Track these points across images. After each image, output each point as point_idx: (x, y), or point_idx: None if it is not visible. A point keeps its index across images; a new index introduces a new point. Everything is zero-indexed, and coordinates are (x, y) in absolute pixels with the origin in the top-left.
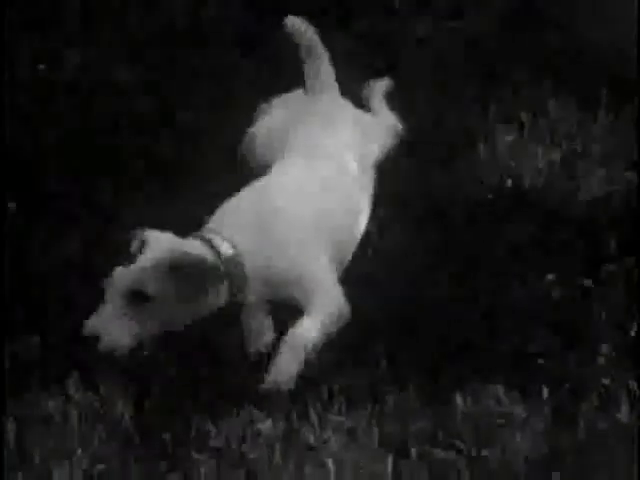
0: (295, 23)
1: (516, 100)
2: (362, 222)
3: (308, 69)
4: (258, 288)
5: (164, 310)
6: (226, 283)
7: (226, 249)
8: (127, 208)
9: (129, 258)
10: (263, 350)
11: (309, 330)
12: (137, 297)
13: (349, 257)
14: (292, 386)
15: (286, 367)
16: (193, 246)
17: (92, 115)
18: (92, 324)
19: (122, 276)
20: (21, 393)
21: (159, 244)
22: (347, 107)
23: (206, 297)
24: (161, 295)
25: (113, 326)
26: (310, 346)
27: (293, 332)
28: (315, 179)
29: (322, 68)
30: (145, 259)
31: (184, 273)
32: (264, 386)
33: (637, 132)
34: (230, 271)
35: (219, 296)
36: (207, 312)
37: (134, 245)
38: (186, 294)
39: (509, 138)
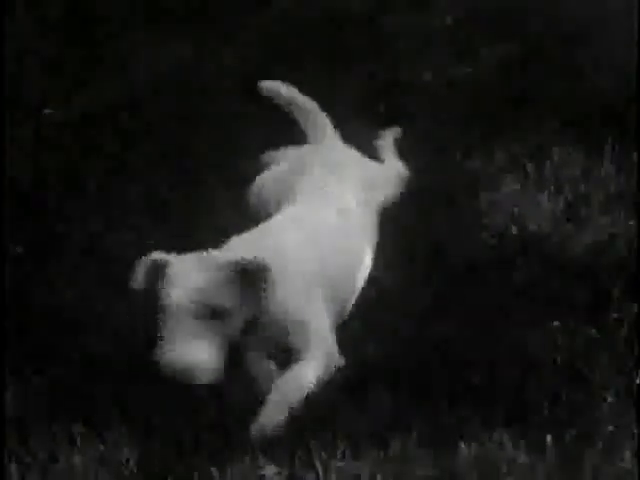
0: (269, 86)
1: (520, 146)
2: (364, 269)
3: (302, 123)
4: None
5: (236, 321)
6: None
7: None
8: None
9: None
10: None
11: (301, 378)
12: (208, 314)
13: (350, 302)
14: (279, 432)
15: (274, 413)
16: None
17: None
18: (172, 354)
19: (186, 296)
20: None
21: (200, 260)
22: (350, 153)
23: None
24: (234, 305)
25: (194, 350)
26: (300, 394)
27: (285, 379)
28: (317, 225)
29: (313, 118)
30: (200, 275)
31: (251, 278)
32: (251, 431)
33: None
34: None
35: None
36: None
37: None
38: (254, 300)
39: (514, 185)
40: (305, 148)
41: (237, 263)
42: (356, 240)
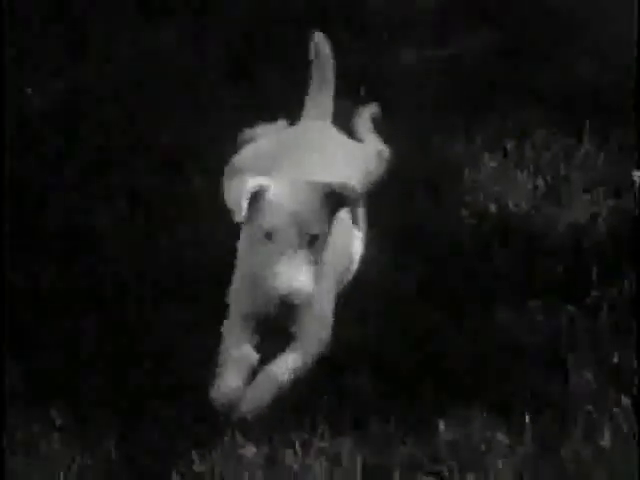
0: (321, 39)
1: (500, 127)
2: (357, 244)
3: (312, 92)
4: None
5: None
6: None
7: None
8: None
9: None
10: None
11: (290, 365)
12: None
13: (346, 278)
14: (260, 415)
15: (258, 397)
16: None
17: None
18: (280, 277)
19: (288, 221)
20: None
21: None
22: (332, 132)
23: None
24: (323, 231)
25: (299, 274)
26: (286, 380)
27: (275, 364)
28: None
29: (325, 94)
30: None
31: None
32: (232, 415)
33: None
34: None
35: None
36: None
37: None
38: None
39: (493, 164)
40: (285, 126)
41: (331, 185)
42: (345, 217)
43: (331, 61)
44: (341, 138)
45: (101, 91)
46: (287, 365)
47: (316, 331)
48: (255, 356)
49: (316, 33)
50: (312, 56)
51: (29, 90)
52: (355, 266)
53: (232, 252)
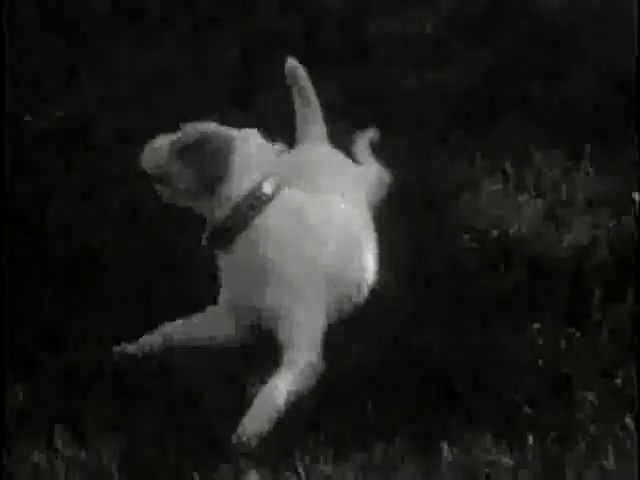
0: (294, 66)
1: (501, 150)
2: (367, 259)
3: (300, 117)
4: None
5: None
6: None
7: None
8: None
9: None
10: None
11: (282, 386)
12: None
13: (352, 295)
14: (256, 442)
15: (256, 423)
16: None
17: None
18: None
19: None
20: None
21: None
22: (337, 156)
23: None
24: None
25: None
26: (281, 402)
27: (268, 387)
28: (318, 215)
29: (314, 117)
30: None
31: None
32: (232, 440)
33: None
34: None
35: None
36: None
37: None
38: None
39: (494, 188)
40: (282, 148)
41: None
42: (354, 229)
43: (309, 83)
44: (343, 159)
45: (100, 112)
46: (282, 387)
47: (299, 357)
48: None
49: (288, 59)
50: (289, 82)
51: (29, 118)
52: (362, 276)
53: None
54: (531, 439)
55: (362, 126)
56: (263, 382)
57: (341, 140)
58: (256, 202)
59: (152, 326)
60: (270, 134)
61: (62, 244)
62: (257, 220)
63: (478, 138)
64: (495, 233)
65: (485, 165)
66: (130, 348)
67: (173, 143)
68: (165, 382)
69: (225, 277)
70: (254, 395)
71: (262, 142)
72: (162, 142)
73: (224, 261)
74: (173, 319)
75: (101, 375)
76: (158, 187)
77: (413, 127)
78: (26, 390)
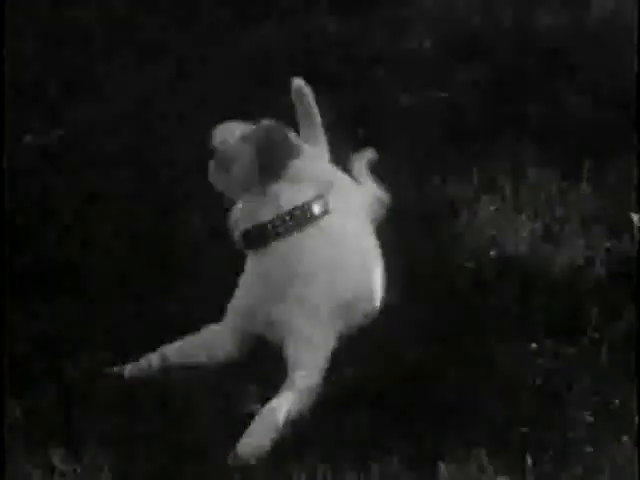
0: (301, 85)
1: (497, 168)
2: (377, 288)
3: (303, 135)
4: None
5: None
6: None
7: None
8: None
9: None
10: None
11: (284, 406)
12: None
13: (361, 322)
14: (254, 461)
15: (256, 441)
16: None
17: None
18: None
19: None
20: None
21: None
22: (344, 176)
23: None
24: None
25: None
26: (282, 422)
27: (270, 406)
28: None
29: (316, 136)
30: None
31: None
32: (230, 458)
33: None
34: None
35: None
36: None
37: None
38: None
39: (491, 207)
40: None
41: None
42: (364, 246)
43: (315, 105)
44: (349, 179)
45: (98, 132)
46: (284, 406)
47: (305, 376)
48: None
49: (295, 79)
50: (294, 102)
51: (29, 138)
52: (373, 294)
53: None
54: (529, 459)
55: (358, 146)
56: (263, 400)
57: (338, 160)
58: (302, 219)
59: (150, 343)
60: None
61: (60, 260)
62: (296, 235)
63: (474, 157)
64: (493, 253)
65: (482, 183)
66: (128, 370)
67: (247, 128)
68: (162, 398)
69: (246, 279)
70: (254, 412)
71: (327, 165)
72: (237, 125)
73: (252, 261)
74: (173, 336)
75: (98, 391)
76: (213, 175)
77: (409, 146)
78: (23, 406)
